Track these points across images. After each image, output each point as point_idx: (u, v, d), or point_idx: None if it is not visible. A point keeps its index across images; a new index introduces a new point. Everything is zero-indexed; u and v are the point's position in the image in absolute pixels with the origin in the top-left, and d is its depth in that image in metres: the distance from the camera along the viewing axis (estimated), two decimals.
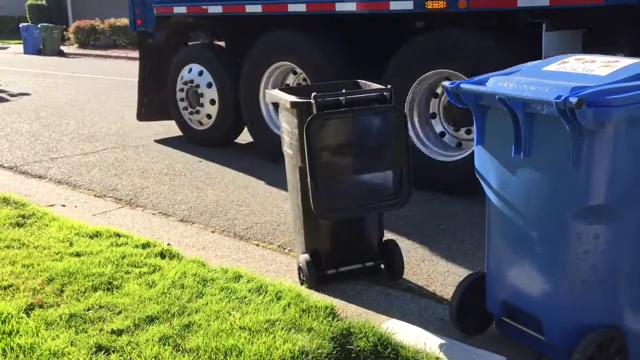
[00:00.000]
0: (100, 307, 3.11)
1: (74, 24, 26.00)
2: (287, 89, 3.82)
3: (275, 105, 3.78)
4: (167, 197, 5.57)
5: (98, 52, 23.28)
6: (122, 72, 16.70)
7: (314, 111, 3.35)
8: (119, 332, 2.87)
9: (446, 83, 2.92)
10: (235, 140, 7.64)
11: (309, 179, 3.39)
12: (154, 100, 8.13)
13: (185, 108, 7.60)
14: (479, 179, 2.96)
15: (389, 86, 3.57)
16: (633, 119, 2.42)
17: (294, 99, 3.50)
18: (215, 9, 6.75)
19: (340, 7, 5.62)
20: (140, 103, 8.22)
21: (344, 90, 3.48)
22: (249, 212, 5.15)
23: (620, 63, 2.67)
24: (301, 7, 5.94)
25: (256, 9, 6.32)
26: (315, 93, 3.37)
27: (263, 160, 6.65)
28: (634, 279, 2.65)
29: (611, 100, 2.37)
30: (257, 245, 4.49)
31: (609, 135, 2.41)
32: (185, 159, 6.92)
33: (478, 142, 2.92)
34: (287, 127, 3.64)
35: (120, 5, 25.80)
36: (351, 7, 5.55)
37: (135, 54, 22.00)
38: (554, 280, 2.67)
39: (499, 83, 2.76)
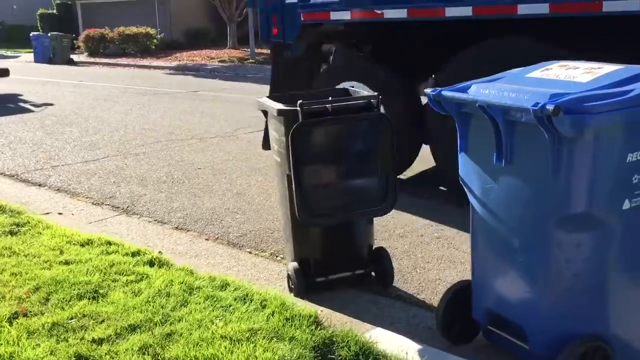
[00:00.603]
0: (84, 315, 3.10)
1: (84, 32, 26.28)
2: (277, 97, 3.81)
3: (265, 114, 3.77)
4: (164, 205, 5.57)
5: (107, 60, 23.52)
6: (129, 80, 16.81)
7: (300, 119, 3.34)
8: (100, 341, 2.85)
9: (428, 90, 2.89)
10: (235, 147, 7.62)
11: (293, 185, 3.37)
12: None
13: None
14: (463, 186, 2.94)
15: (376, 93, 3.55)
16: (612, 126, 2.38)
17: (280, 106, 3.49)
18: (397, 14, 5.29)
19: (609, 6, 4.16)
20: (268, 129, 6.73)
21: (330, 98, 3.47)
22: (244, 219, 5.14)
23: (603, 70, 2.64)
24: (541, 9, 4.45)
25: (464, 12, 4.85)
26: (301, 101, 3.36)
27: (260, 168, 6.65)
28: (617, 287, 2.61)
29: (590, 107, 2.33)
30: (250, 252, 4.47)
31: (588, 142, 2.37)
32: (185, 167, 6.92)
33: (461, 149, 2.89)
34: (275, 135, 3.64)
35: (129, 15, 26.23)
36: (634, 6, 4.08)
37: (144, 61, 22.35)
38: (536, 289, 2.64)
39: (480, 90, 2.74)
